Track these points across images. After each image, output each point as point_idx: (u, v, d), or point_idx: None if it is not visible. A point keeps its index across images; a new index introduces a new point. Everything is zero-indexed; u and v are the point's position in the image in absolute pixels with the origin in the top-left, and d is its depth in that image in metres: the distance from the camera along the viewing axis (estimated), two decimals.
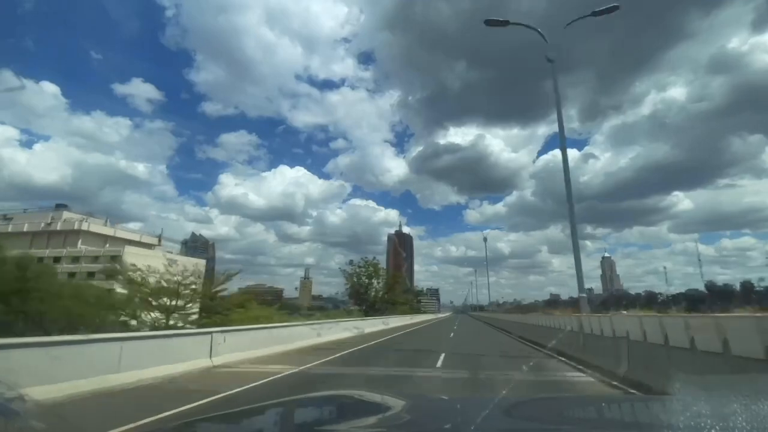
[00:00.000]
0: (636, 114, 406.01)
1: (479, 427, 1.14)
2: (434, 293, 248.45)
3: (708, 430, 0.91)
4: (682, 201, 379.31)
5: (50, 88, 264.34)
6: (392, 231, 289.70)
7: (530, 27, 16.02)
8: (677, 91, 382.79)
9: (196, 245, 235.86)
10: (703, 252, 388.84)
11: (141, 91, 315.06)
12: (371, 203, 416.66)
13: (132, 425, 4.35)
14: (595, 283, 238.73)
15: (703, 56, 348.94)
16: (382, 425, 1.43)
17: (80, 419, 4.93)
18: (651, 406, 1.67)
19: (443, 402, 2.11)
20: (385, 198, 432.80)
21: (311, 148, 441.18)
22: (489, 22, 16.05)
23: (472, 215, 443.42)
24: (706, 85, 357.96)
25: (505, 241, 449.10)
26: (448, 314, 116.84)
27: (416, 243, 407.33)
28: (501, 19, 16.03)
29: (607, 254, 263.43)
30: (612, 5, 14.81)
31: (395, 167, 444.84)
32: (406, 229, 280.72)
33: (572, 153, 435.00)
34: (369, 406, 1.82)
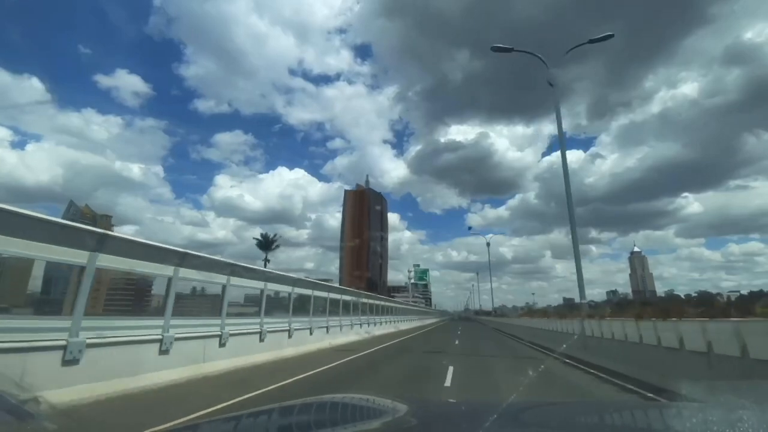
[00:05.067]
0: (645, 112, 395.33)
1: None
2: (422, 290, 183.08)
3: None
4: (691, 204, 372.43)
5: (36, 83, 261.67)
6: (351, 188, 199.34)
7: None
8: (689, 87, 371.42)
9: (73, 219, 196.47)
10: (708, 257, 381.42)
11: (128, 83, 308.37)
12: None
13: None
14: (621, 286, 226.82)
15: (718, 48, 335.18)
16: (388, 429, 1.42)
17: None
18: (663, 412, 1.63)
19: (450, 406, 2.08)
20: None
21: (308, 149, 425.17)
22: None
23: (473, 219, 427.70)
24: (720, 79, 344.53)
25: (507, 246, 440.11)
26: (438, 320, 76.07)
27: (417, 247, 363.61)
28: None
29: (636, 249, 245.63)
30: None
31: (395, 168, 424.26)
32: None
33: (577, 154, 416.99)
34: (375, 409, 1.81)
